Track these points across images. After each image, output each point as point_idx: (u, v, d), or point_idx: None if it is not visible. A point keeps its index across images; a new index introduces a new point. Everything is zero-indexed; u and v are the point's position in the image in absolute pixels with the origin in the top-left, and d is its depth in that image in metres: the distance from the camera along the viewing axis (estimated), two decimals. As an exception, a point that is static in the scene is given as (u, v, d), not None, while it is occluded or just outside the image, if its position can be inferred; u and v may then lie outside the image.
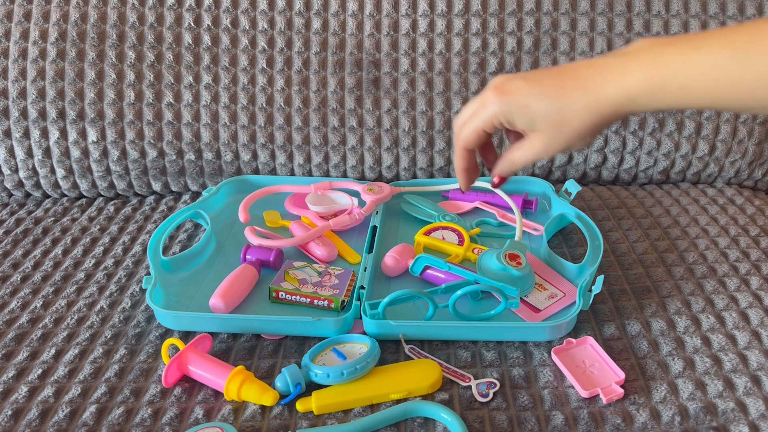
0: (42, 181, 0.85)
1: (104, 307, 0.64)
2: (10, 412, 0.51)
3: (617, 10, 0.84)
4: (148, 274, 0.67)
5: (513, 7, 0.83)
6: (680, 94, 0.45)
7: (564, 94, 0.48)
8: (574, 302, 0.60)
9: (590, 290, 0.59)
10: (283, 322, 0.59)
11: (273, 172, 0.86)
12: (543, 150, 0.51)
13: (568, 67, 0.50)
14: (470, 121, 0.54)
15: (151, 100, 0.83)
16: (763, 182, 0.90)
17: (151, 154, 0.84)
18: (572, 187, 0.77)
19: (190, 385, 0.54)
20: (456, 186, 0.81)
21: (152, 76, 0.83)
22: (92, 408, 0.52)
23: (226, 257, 0.70)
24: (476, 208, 0.79)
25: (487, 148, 0.59)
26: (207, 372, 0.53)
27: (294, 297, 0.62)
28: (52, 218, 0.82)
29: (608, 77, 0.47)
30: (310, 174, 0.86)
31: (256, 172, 0.86)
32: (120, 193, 0.87)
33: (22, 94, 0.82)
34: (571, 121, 0.48)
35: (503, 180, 0.60)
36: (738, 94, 0.43)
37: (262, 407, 0.52)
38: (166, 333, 0.60)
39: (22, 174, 0.85)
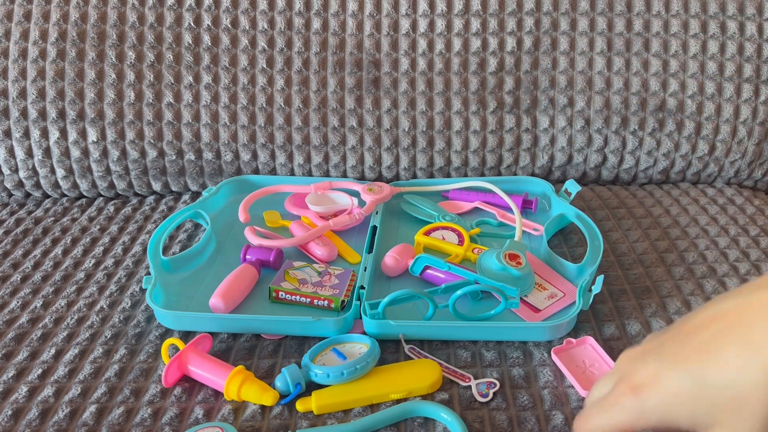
0: (42, 181, 0.85)
1: (104, 307, 0.64)
2: (10, 412, 0.51)
3: (617, 10, 0.84)
4: (148, 274, 0.67)
5: (513, 7, 0.83)
6: None
7: (720, 360, 0.33)
8: (574, 302, 0.60)
9: (590, 290, 0.59)
10: (283, 322, 0.59)
11: (273, 172, 0.86)
12: None
13: (711, 317, 0.35)
14: (593, 419, 0.38)
15: (151, 100, 0.83)
16: (763, 182, 0.90)
17: (151, 154, 0.84)
18: (572, 187, 0.77)
19: (190, 385, 0.54)
20: (456, 186, 0.81)
21: (152, 76, 0.83)
22: (92, 408, 0.52)
23: (226, 257, 0.70)
24: (476, 208, 0.79)
25: None
26: (207, 372, 0.53)
27: (294, 297, 0.62)
28: (52, 218, 0.82)
29: None
30: (310, 174, 0.86)
31: (256, 172, 0.86)
32: (120, 193, 0.87)
33: (22, 94, 0.82)
34: (749, 397, 0.31)
35: None
36: None
37: (262, 407, 0.52)
38: (166, 333, 0.60)
39: (22, 174, 0.85)
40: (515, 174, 0.87)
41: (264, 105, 0.83)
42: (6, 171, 0.85)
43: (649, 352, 0.36)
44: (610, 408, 0.37)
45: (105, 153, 0.84)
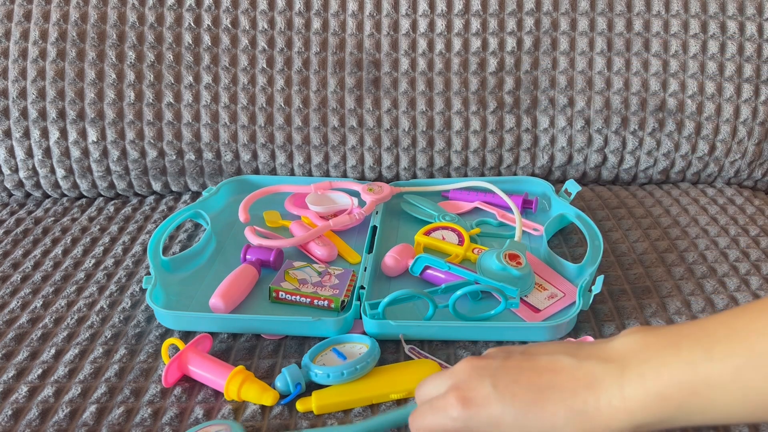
0: (42, 181, 0.85)
1: (104, 307, 0.64)
2: (10, 412, 0.51)
3: (617, 10, 0.84)
4: (148, 274, 0.67)
5: (513, 7, 0.83)
6: (702, 414, 0.35)
7: (544, 410, 0.38)
8: (574, 302, 0.60)
9: (590, 290, 0.59)
10: (283, 322, 0.59)
11: (273, 172, 0.86)
12: None
13: (547, 366, 0.40)
14: (426, 417, 0.42)
15: (151, 100, 0.83)
16: (763, 182, 0.90)
17: (151, 154, 0.84)
18: (572, 187, 0.77)
19: (190, 385, 0.54)
20: (456, 186, 0.81)
21: (152, 76, 0.83)
22: (92, 408, 0.52)
23: (226, 257, 0.70)
24: (476, 208, 0.79)
25: None
26: (207, 372, 0.53)
27: (294, 297, 0.62)
28: (52, 218, 0.82)
29: (601, 396, 0.37)
30: (310, 174, 0.86)
31: (256, 172, 0.86)
32: (120, 193, 0.87)
33: (22, 94, 0.82)
34: None
35: None
36: None
37: (262, 407, 0.52)
38: (166, 333, 0.60)
39: (22, 174, 0.85)
40: (515, 174, 0.87)
41: (264, 105, 0.83)
42: (6, 171, 0.85)
43: (487, 373, 0.40)
44: (441, 411, 0.41)
45: (105, 153, 0.84)
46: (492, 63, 0.84)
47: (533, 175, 0.87)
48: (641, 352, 0.37)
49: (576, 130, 0.85)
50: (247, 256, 0.68)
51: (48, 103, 0.82)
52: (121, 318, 0.62)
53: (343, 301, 0.61)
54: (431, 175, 0.86)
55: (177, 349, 0.55)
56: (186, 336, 0.59)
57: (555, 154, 0.86)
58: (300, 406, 0.51)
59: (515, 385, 0.39)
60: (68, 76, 0.82)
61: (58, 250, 0.74)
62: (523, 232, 0.74)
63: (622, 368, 0.37)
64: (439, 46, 0.83)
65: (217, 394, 0.53)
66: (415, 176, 0.86)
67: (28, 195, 0.88)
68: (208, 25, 0.83)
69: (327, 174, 0.86)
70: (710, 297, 0.63)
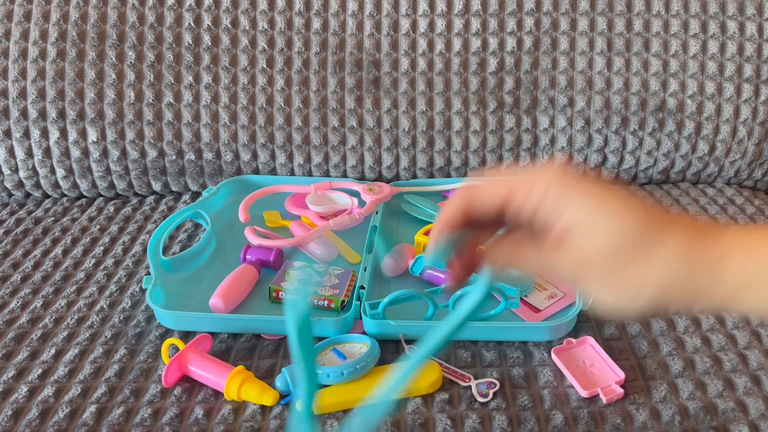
0: (42, 181, 0.85)
1: (104, 307, 0.64)
2: (10, 412, 0.51)
3: (617, 10, 0.84)
4: (148, 274, 0.67)
5: (513, 7, 0.83)
6: None
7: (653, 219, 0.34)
8: (574, 302, 0.60)
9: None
10: (283, 322, 0.59)
11: (273, 172, 0.86)
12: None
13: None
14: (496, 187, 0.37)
15: (151, 100, 0.83)
16: (763, 182, 0.90)
17: (151, 154, 0.84)
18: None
19: (190, 385, 0.54)
20: (456, 186, 0.81)
21: (152, 76, 0.83)
22: (92, 408, 0.52)
23: (226, 257, 0.70)
24: (476, 208, 0.79)
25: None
26: (207, 372, 0.53)
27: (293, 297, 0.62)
28: (52, 218, 0.82)
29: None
30: (310, 174, 0.86)
31: (256, 172, 0.86)
32: (120, 193, 0.87)
33: (22, 94, 0.82)
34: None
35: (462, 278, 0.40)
36: None
37: (262, 407, 0.51)
38: (166, 333, 0.60)
39: (22, 174, 0.85)
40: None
41: (264, 105, 0.83)
42: (6, 171, 0.85)
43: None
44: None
45: (105, 153, 0.84)
46: (492, 63, 0.84)
47: (533, 175, 0.86)
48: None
49: (576, 130, 0.85)
50: (247, 256, 0.68)
51: (48, 103, 0.82)
52: (121, 318, 0.62)
53: (343, 301, 0.61)
54: (431, 175, 0.86)
55: (177, 349, 0.55)
56: (186, 336, 0.59)
57: (555, 154, 0.86)
58: (300, 406, 0.51)
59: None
60: (68, 76, 0.82)
61: (58, 250, 0.74)
62: (523, 232, 0.74)
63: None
64: (439, 46, 0.83)
65: (217, 394, 0.53)
66: (415, 176, 0.86)
67: (28, 195, 0.88)
68: (208, 25, 0.83)
69: (327, 174, 0.86)
70: (710, 297, 0.63)
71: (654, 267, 0.33)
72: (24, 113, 0.82)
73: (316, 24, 0.84)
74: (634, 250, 0.33)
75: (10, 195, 0.88)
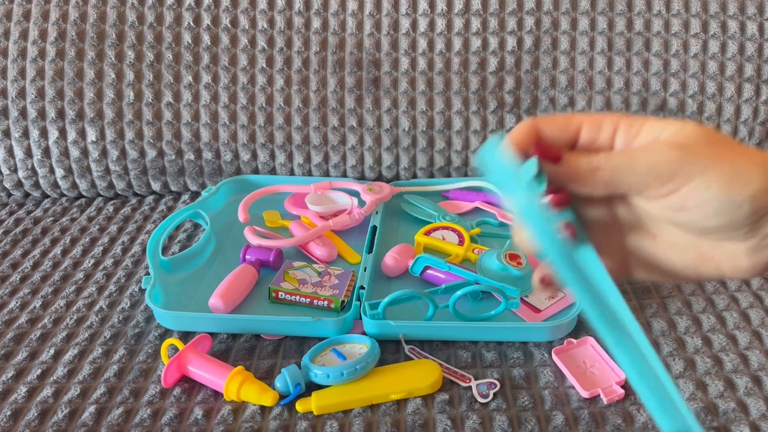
0: (41, 181, 0.85)
1: (103, 307, 0.63)
2: (9, 413, 0.51)
3: (618, 9, 0.83)
4: (148, 274, 0.67)
5: (513, 7, 0.83)
6: None
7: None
8: (575, 302, 0.60)
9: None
10: (283, 322, 0.59)
11: (273, 171, 0.86)
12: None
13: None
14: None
15: (150, 100, 0.83)
16: (764, 182, 0.89)
17: (151, 153, 0.84)
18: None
19: (189, 385, 0.54)
20: (457, 186, 0.81)
21: (151, 75, 0.82)
22: (91, 408, 0.51)
23: (225, 257, 0.70)
24: (476, 208, 0.79)
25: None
26: (206, 372, 0.53)
27: (294, 297, 0.62)
28: (51, 218, 0.81)
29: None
30: (309, 174, 0.86)
31: (256, 171, 0.86)
32: (119, 192, 0.87)
33: (21, 93, 0.82)
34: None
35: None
36: None
37: (262, 408, 0.51)
38: (166, 333, 0.60)
39: (21, 174, 0.85)
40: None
41: (264, 104, 0.83)
42: (5, 171, 0.85)
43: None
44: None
45: (104, 153, 0.84)
46: (492, 62, 0.83)
47: (533, 174, 0.86)
48: None
49: (576, 130, 0.85)
50: (247, 256, 0.68)
51: (47, 102, 0.82)
52: (120, 318, 0.62)
53: (342, 302, 0.61)
54: (431, 175, 0.86)
55: (176, 349, 0.55)
56: (185, 336, 0.59)
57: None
58: (300, 406, 0.51)
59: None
60: (67, 76, 0.82)
61: (57, 250, 0.74)
62: (524, 232, 0.73)
63: None
64: (440, 45, 0.83)
65: (217, 395, 0.53)
66: (415, 176, 0.86)
67: (27, 195, 0.88)
68: (208, 24, 0.83)
69: (327, 174, 0.86)
70: (711, 297, 0.63)
71: (753, 154, 0.30)
72: (23, 113, 0.82)
73: (316, 23, 0.83)
74: (726, 141, 0.30)
75: (9, 195, 0.88)
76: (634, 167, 0.31)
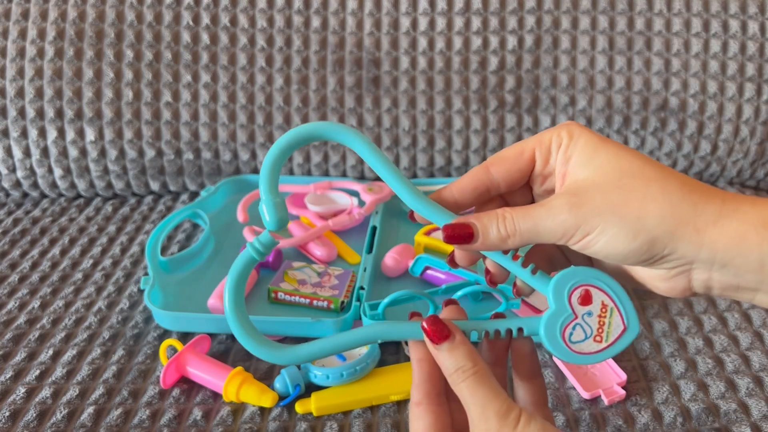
0: (40, 181, 0.85)
1: (102, 307, 0.63)
2: (7, 414, 0.51)
3: (619, 8, 0.83)
4: (146, 274, 0.67)
5: (514, 6, 0.83)
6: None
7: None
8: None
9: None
10: (282, 322, 0.58)
11: (272, 171, 0.85)
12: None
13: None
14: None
15: (149, 100, 0.82)
16: (766, 182, 0.89)
17: (150, 153, 0.84)
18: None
19: (188, 386, 0.54)
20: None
21: (150, 75, 0.82)
22: (90, 409, 0.51)
23: (224, 257, 0.70)
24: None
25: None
26: (205, 373, 0.53)
27: (293, 298, 0.62)
28: (50, 218, 0.81)
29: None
30: (309, 173, 0.86)
31: (255, 171, 0.86)
32: (118, 192, 0.87)
33: (20, 93, 0.82)
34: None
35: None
36: None
37: (261, 409, 0.51)
38: (165, 334, 0.60)
39: (19, 174, 0.85)
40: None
41: (263, 104, 0.83)
42: (3, 170, 0.85)
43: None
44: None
45: (103, 152, 0.83)
46: (493, 62, 0.83)
47: (534, 174, 0.86)
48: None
49: (577, 130, 0.84)
50: (246, 257, 0.67)
51: (46, 102, 0.82)
52: (119, 319, 0.62)
53: (342, 302, 0.61)
54: (432, 175, 0.86)
55: (175, 350, 0.55)
56: (184, 337, 0.59)
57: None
58: (299, 407, 0.51)
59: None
60: (66, 75, 0.81)
61: (56, 250, 0.73)
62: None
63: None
64: (440, 44, 0.83)
65: (216, 396, 0.53)
66: (415, 176, 0.86)
67: (25, 195, 0.88)
68: (207, 23, 0.83)
69: (326, 173, 0.86)
70: (711, 297, 0.62)
71: (656, 194, 0.32)
72: (21, 112, 0.82)
73: (316, 22, 0.83)
74: (634, 178, 0.33)
75: (8, 195, 0.88)
76: (539, 231, 0.34)
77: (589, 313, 0.36)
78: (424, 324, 0.36)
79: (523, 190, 0.38)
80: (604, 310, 0.36)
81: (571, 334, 0.36)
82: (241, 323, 0.38)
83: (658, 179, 0.33)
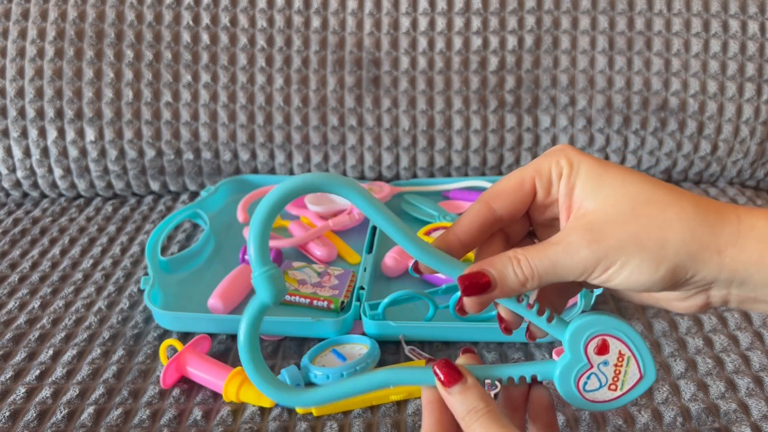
0: (40, 181, 0.85)
1: (102, 307, 0.63)
2: (7, 414, 0.51)
3: (619, 8, 0.83)
4: (146, 274, 0.67)
5: (514, 6, 0.83)
6: None
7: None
8: (576, 303, 0.60)
9: (592, 291, 0.59)
10: (282, 322, 0.58)
11: (272, 171, 0.86)
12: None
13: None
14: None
15: (149, 100, 0.82)
16: (766, 182, 0.89)
17: (150, 153, 0.84)
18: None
19: (188, 386, 0.54)
20: (457, 186, 0.81)
21: (150, 75, 0.82)
22: (90, 409, 0.51)
23: (224, 257, 0.70)
24: (477, 208, 0.78)
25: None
26: (206, 373, 0.53)
27: (293, 297, 0.62)
28: (50, 218, 0.81)
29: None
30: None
31: (255, 171, 0.86)
32: (118, 192, 0.87)
33: (20, 93, 0.82)
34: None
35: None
36: None
37: (261, 409, 0.51)
38: (165, 334, 0.60)
39: (19, 174, 0.85)
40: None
41: (263, 104, 0.83)
42: (3, 171, 0.85)
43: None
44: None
45: (103, 152, 0.83)
46: (493, 62, 0.83)
47: (534, 174, 0.86)
48: None
49: (577, 130, 0.84)
50: (246, 257, 0.68)
51: (46, 102, 0.82)
52: (119, 319, 0.62)
53: (342, 302, 0.61)
54: (431, 175, 0.86)
55: (175, 350, 0.55)
56: (184, 337, 0.59)
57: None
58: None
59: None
60: (66, 75, 0.81)
61: (56, 250, 0.73)
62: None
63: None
64: (440, 44, 0.83)
65: (216, 396, 0.53)
66: (415, 176, 0.86)
67: (25, 195, 0.88)
68: (207, 23, 0.83)
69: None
70: (712, 297, 0.62)
71: (673, 220, 0.32)
72: (21, 112, 0.82)
73: (316, 22, 0.83)
74: (648, 206, 0.32)
75: (8, 195, 0.88)
76: (558, 271, 0.33)
77: (606, 363, 0.36)
78: (436, 368, 0.35)
79: (521, 220, 0.38)
80: (620, 359, 0.36)
81: (585, 383, 0.36)
82: (257, 369, 0.37)
83: (671, 203, 0.32)
